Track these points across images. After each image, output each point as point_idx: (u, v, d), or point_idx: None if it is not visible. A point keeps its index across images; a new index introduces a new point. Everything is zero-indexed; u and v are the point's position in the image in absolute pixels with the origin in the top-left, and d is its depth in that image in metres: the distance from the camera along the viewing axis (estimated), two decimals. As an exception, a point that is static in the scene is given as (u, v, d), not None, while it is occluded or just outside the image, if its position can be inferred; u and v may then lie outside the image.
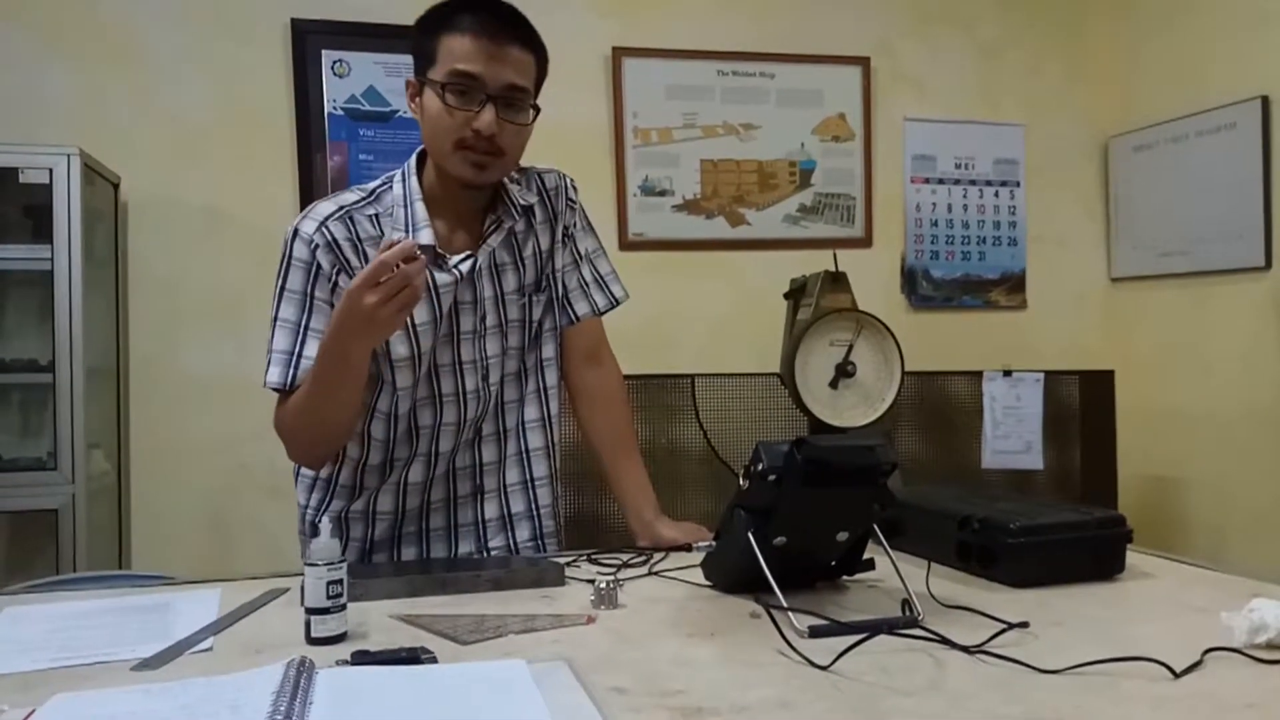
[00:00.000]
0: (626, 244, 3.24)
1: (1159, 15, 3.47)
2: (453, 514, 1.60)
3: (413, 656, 1.00)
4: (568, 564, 1.47)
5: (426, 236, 1.46)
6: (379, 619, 1.20)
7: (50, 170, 2.56)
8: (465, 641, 1.10)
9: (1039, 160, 3.65)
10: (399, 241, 1.28)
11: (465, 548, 1.60)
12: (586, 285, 1.66)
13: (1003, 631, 1.08)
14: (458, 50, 1.39)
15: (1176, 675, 0.95)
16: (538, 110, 1.48)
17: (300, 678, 0.90)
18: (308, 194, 3.04)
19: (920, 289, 3.55)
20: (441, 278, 1.48)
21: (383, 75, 3.09)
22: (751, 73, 3.40)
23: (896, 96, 3.53)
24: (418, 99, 1.47)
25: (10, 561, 2.80)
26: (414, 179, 1.50)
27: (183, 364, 2.97)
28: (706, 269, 3.34)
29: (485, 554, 1.60)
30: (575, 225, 1.65)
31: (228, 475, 2.98)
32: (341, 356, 1.36)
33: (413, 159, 1.53)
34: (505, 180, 1.52)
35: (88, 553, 2.57)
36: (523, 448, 1.63)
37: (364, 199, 1.50)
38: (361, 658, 1.00)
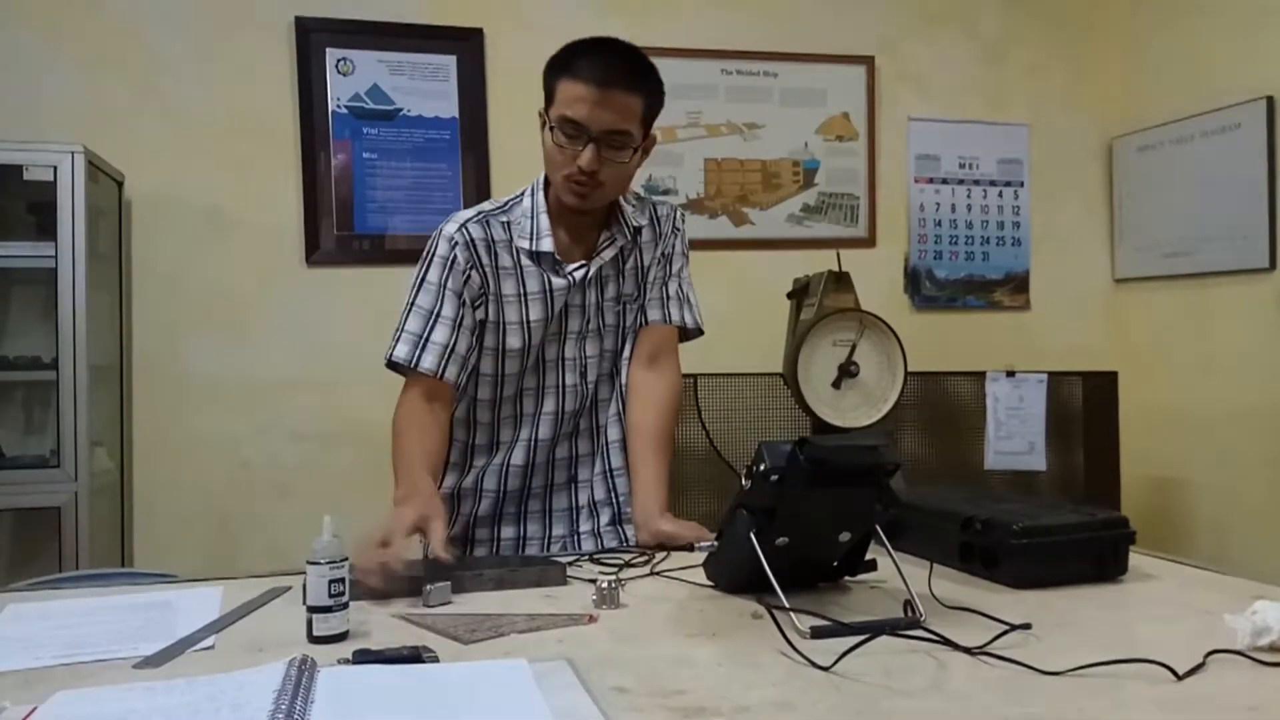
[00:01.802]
0: (630, 243, 3.23)
1: (1163, 15, 3.47)
2: (549, 499, 1.77)
3: (414, 655, 1.00)
4: (569, 563, 1.47)
5: (548, 245, 1.65)
6: (381, 618, 1.20)
7: (54, 168, 2.55)
8: (467, 641, 1.10)
9: (1043, 160, 3.64)
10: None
11: (559, 530, 1.78)
12: (668, 297, 1.79)
13: (1005, 633, 1.08)
14: (569, 96, 1.55)
15: (1179, 677, 0.95)
16: (648, 147, 1.65)
17: (302, 676, 0.90)
18: (311, 192, 3.05)
19: (924, 289, 3.55)
20: (557, 282, 1.67)
21: (387, 73, 3.06)
22: (755, 72, 3.40)
23: (900, 96, 3.53)
24: (544, 129, 1.61)
25: (13, 559, 2.81)
26: (540, 194, 1.69)
27: (186, 362, 2.97)
28: (709, 268, 3.31)
29: (575, 537, 1.77)
30: (674, 249, 1.81)
31: (230, 473, 2.99)
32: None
33: (542, 176, 1.70)
34: (622, 202, 1.70)
35: (90, 550, 2.57)
36: (605, 440, 1.78)
37: (498, 208, 1.70)
38: (363, 656, 1.00)
